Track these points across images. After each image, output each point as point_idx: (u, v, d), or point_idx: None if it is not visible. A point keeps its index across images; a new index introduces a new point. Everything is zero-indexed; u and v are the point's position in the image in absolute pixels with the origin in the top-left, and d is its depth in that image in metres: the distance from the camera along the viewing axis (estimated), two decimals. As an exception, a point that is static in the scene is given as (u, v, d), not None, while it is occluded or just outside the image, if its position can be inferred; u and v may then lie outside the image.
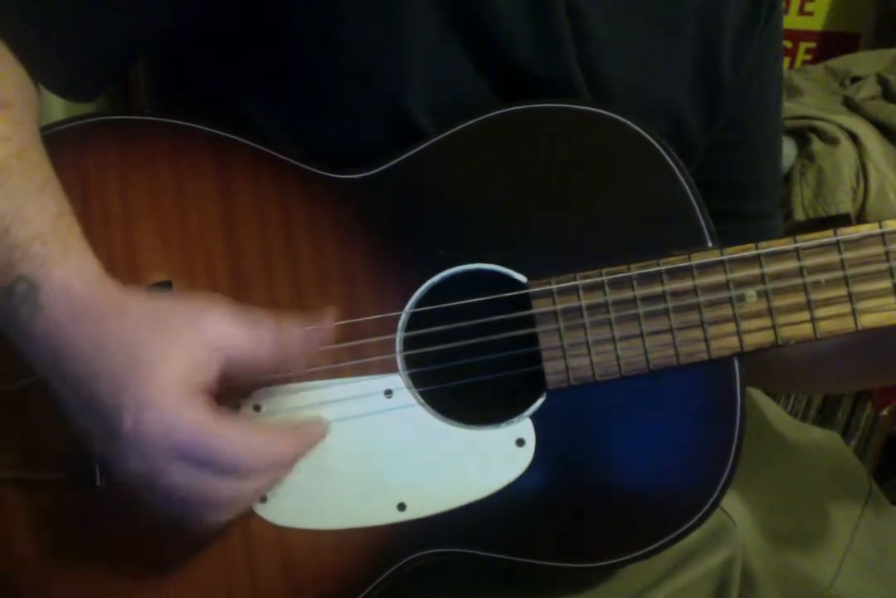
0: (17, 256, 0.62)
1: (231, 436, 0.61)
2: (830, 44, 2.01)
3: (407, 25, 0.71)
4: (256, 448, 0.62)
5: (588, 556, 0.73)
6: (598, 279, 0.71)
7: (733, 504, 0.87)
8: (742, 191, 0.92)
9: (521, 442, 0.72)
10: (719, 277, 0.70)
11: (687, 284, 0.70)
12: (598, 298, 0.71)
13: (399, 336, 0.73)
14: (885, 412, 1.70)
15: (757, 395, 1.07)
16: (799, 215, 1.47)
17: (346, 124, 0.76)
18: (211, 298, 0.65)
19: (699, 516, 0.71)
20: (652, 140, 0.72)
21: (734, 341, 0.70)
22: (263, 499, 0.71)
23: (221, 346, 0.62)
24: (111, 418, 0.60)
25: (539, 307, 0.71)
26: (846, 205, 1.47)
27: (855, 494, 0.95)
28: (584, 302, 0.71)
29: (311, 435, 0.68)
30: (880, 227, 0.69)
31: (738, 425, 0.71)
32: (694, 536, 0.78)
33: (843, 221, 1.47)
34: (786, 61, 2.02)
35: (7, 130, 0.66)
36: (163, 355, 0.61)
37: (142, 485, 0.62)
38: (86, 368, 0.61)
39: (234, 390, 0.71)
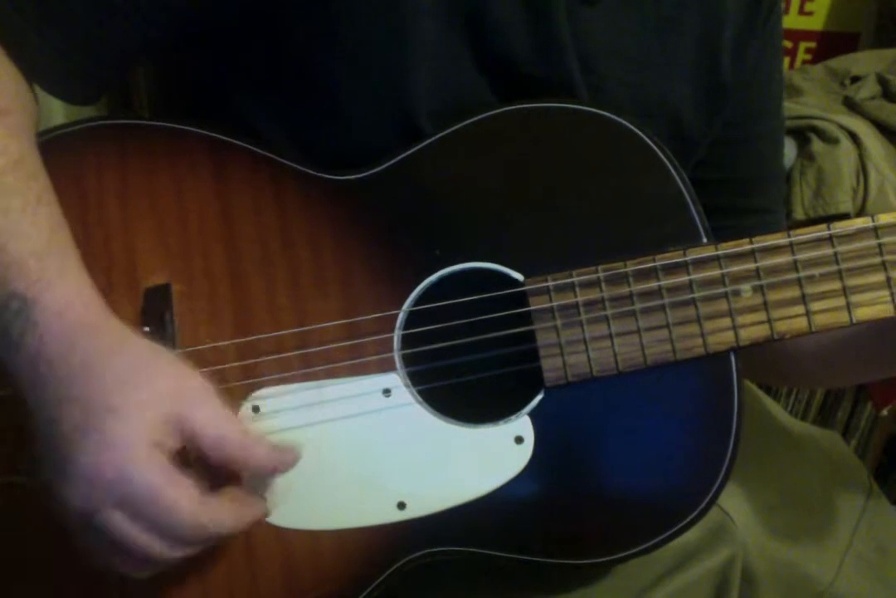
0: (13, 272, 0.63)
1: (178, 502, 0.61)
2: (830, 44, 2.01)
3: (407, 27, 0.72)
4: (196, 520, 0.62)
5: (587, 553, 0.73)
6: (595, 276, 0.71)
7: (733, 504, 0.87)
8: (745, 186, 0.92)
9: (519, 440, 0.72)
10: (714, 272, 0.70)
11: (682, 279, 0.70)
12: (594, 294, 0.71)
13: (397, 335, 0.73)
14: (885, 412, 1.69)
15: (757, 394, 1.07)
16: (799, 215, 1.48)
17: (345, 126, 0.76)
18: (203, 376, 0.66)
19: (697, 511, 0.71)
20: (646, 138, 0.73)
21: (730, 335, 0.70)
22: (263, 500, 0.71)
23: (193, 423, 0.63)
24: (72, 449, 0.61)
25: (536, 304, 0.72)
26: (846, 205, 1.47)
27: (855, 493, 0.94)
28: (580, 299, 0.71)
29: (256, 510, 0.67)
30: (873, 221, 0.69)
31: (735, 421, 0.71)
32: (694, 535, 0.78)
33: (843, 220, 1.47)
34: (786, 61, 2.02)
35: (4, 140, 0.66)
36: (138, 408, 0.61)
37: (78, 522, 0.62)
38: (65, 393, 0.62)
39: (232, 392, 0.72)
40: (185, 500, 0.61)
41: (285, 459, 0.68)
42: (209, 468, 0.65)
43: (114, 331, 0.65)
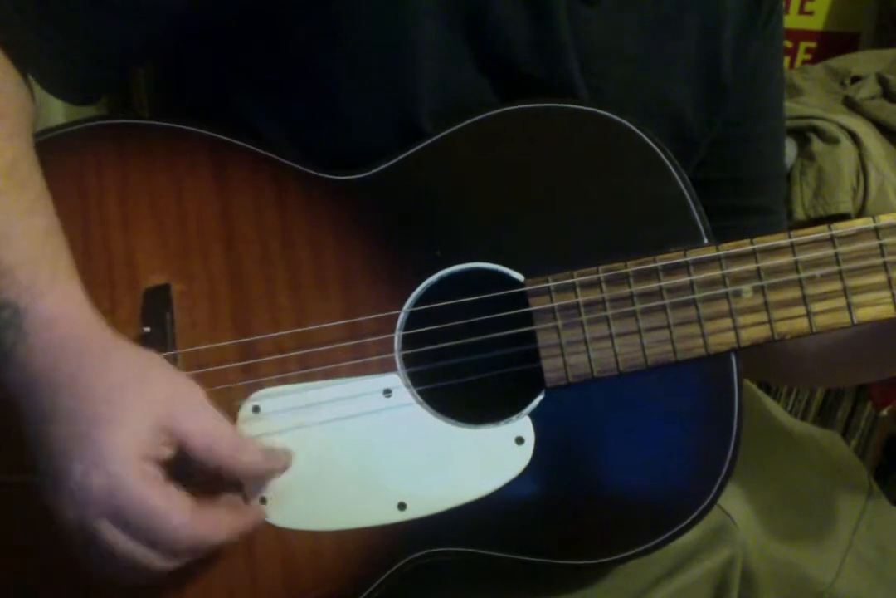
0: (4, 281, 0.63)
1: (171, 515, 0.61)
2: (830, 44, 2.00)
3: (408, 27, 0.72)
4: (190, 531, 0.62)
5: (587, 553, 0.73)
6: (595, 276, 0.71)
7: (733, 504, 0.87)
8: (745, 186, 0.92)
9: (520, 440, 0.72)
10: (715, 273, 0.70)
11: (683, 280, 0.70)
12: (595, 295, 0.71)
13: (398, 335, 0.73)
14: (885, 412, 1.69)
15: (757, 394, 1.07)
16: (799, 215, 1.47)
17: (345, 126, 0.76)
18: (193, 380, 0.66)
19: (698, 512, 0.71)
20: (647, 139, 0.73)
21: (731, 336, 0.70)
22: (263, 501, 0.71)
23: (183, 431, 0.63)
24: (62, 462, 0.61)
25: (536, 305, 0.72)
26: (846, 205, 1.47)
27: (855, 493, 0.94)
28: (581, 299, 0.71)
29: (250, 517, 0.68)
30: (874, 221, 0.69)
31: (735, 422, 0.71)
32: (694, 536, 0.78)
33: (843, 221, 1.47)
34: (786, 61, 2.01)
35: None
36: (128, 417, 0.62)
37: (73, 532, 0.62)
38: (55, 405, 0.62)
39: (232, 393, 0.71)
40: (177, 512, 0.62)
41: (275, 464, 0.69)
42: (207, 474, 0.65)
43: (102, 341, 0.65)
